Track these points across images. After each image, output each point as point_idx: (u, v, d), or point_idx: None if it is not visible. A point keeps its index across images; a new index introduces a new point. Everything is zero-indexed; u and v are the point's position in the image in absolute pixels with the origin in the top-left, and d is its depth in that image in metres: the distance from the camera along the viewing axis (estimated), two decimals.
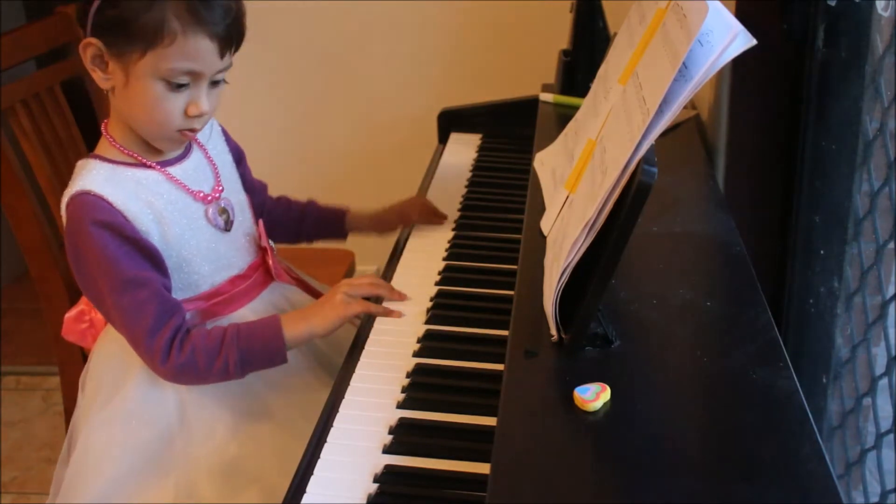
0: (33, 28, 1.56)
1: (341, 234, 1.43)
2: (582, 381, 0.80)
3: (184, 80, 1.04)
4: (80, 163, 1.11)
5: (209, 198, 1.16)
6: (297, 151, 2.47)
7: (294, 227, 1.40)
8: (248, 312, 1.20)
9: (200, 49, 1.03)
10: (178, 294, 1.13)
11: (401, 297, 1.20)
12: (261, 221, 1.23)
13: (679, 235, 1.07)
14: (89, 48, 1.05)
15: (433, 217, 1.43)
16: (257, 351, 1.10)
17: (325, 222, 1.41)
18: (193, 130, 1.09)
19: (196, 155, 1.17)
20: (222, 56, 1.05)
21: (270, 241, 1.24)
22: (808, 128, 1.17)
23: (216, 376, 1.10)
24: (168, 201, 1.11)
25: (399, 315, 1.17)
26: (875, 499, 1.05)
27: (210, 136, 1.22)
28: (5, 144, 1.44)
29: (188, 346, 1.07)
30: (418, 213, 1.43)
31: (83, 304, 1.25)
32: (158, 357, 1.07)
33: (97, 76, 1.07)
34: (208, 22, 1.02)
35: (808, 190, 1.19)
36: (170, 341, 1.07)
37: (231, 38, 1.06)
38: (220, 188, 1.18)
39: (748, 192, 1.29)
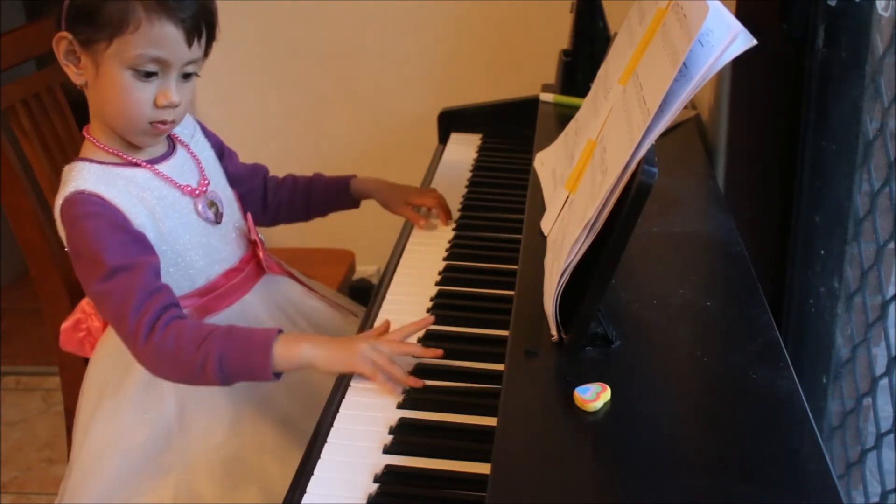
0: (33, 28, 1.56)
1: (350, 200, 1.41)
2: (582, 381, 0.80)
3: (151, 68, 1.04)
4: (67, 168, 1.11)
5: (197, 192, 1.16)
6: (296, 151, 2.47)
7: (303, 202, 1.39)
8: (244, 305, 1.20)
9: (165, 35, 1.03)
10: (174, 291, 1.13)
11: (406, 381, 1.03)
12: (249, 215, 1.24)
13: (679, 235, 1.07)
14: (61, 42, 1.05)
15: (443, 212, 1.42)
16: (239, 356, 1.02)
17: (333, 190, 1.40)
18: (165, 123, 1.08)
19: (180, 152, 1.18)
20: (189, 45, 1.05)
21: (260, 235, 1.24)
22: (808, 128, 1.17)
23: (193, 372, 1.03)
24: (159, 197, 1.11)
25: (397, 393, 1.02)
26: (875, 499, 1.05)
27: (193, 135, 1.22)
28: (5, 144, 1.44)
29: (172, 329, 1.02)
30: (432, 200, 1.42)
31: (79, 313, 1.25)
32: (140, 335, 1.02)
33: (70, 71, 1.07)
34: (173, 8, 1.02)
35: (808, 190, 1.19)
36: (154, 319, 1.02)
37: (199, 26, 1.05)
38: (206, 181, 1.18)
39: (748, 192, 1.29)
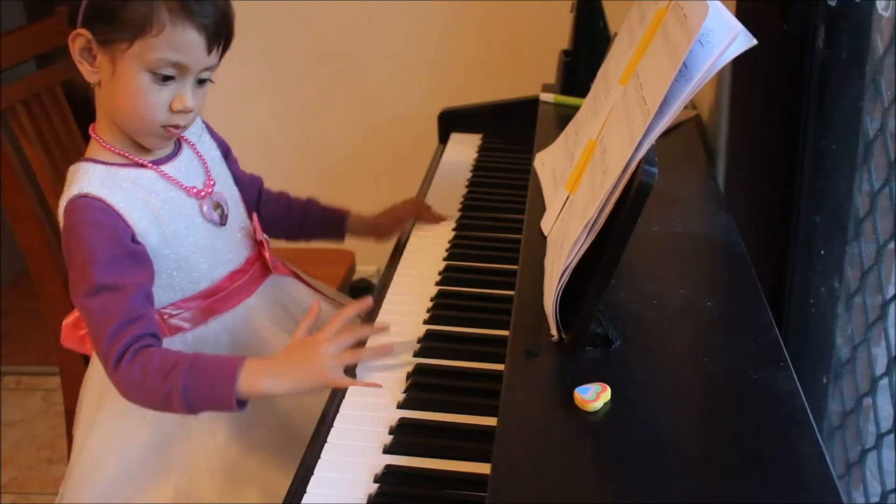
0: (33, 28, 1.56)
1: (340, 236, 1.42)
2: (582, 381, 0.80)
3: (170, 72, 1.04)
4: (72, 168, 1.10)
5: (202, 193, 1.16)
6: (297, 151, 2.47)
7: (295, 225, 1.40)
8: (248, 307, 1.20)
9: (188, 41, 1.02)
10: (178, 293, 1.13)
11: (379, 352, 1.08)
12: (255, 215, 1.23)
13: (679, 235, 1.07)
14: (78, 39, 1.05)
15: (430, 217, 1.43)
16: (203, 390, 1.00)
17: (326, 223, 1.41)
18: (177, 127, 1.08)
19: (186, 152, 1.17)
20: (209, 51, 1.05)
21: (265, 235, 1.24)
22: (808, 128, 1.17)
23: (159, 402, 1.01)
24: (164, 199, 1.11)
25: (379, 385, 1.04)
26: (875, 499, 1.05)
27: (201, 135, 1.22)
28: (5, 144, 1.44)
29: (140, 360, 1.00)
30: (415, 212, 1.43)
31: None
32: (111, 361, 1.01)
33: (84, 69, 1.06)
34: (198, 14, 1.02)
35: (809, 190, 1.19)
36: (124, 348, 1.01)
37: (219, 34, 1.05)
38: (212, 182, 1.18)
39: (748, 192, 1.29)
